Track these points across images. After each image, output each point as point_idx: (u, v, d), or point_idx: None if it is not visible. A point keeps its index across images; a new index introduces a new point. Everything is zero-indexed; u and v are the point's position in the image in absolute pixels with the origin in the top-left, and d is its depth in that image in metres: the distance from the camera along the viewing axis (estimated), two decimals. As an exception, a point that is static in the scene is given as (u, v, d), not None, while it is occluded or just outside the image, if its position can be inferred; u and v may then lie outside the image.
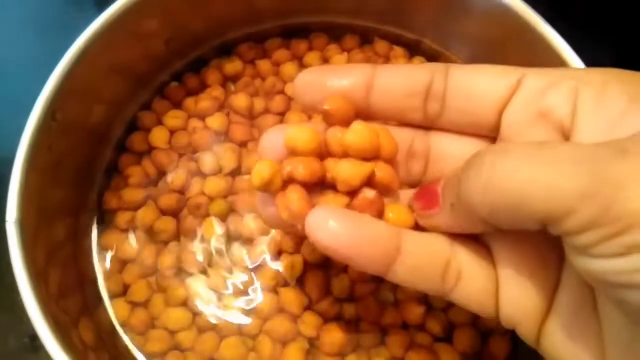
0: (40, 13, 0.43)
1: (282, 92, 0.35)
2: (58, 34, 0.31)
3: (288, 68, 0.35)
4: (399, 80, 0.20)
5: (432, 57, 0.36)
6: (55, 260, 0.28)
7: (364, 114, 0.20)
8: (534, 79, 0.19)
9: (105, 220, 0.32)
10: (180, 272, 0.30)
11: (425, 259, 0.19)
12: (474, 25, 0.32)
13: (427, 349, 0.28)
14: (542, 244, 0.18)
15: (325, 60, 0.36)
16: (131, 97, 0.34)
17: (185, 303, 0.29)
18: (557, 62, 0.28)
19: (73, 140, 0.30)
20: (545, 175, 0.14)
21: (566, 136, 0.18)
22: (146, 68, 0.34)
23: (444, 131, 0.21)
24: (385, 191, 0.20)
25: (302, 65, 0.35)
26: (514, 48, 0.30)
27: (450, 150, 0.21)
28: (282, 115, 0.34)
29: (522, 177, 0.14)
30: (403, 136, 0.21)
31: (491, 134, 0.20)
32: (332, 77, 0.20)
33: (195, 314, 0.29)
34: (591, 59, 0.27)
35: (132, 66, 0.33)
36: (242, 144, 0.33)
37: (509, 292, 0.18)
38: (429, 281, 0.19)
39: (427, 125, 0.21)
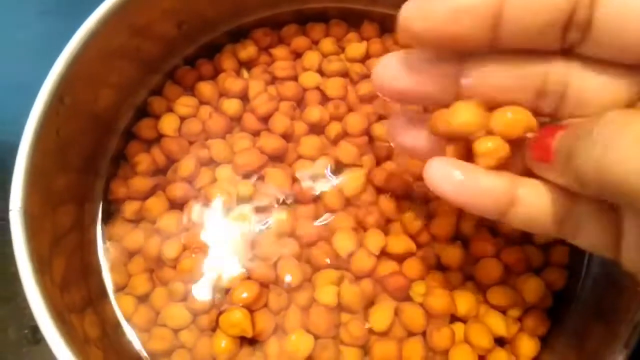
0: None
1: (295, 79, 0.33)
2: (66, 15, 0.30)
3: (308, 57, 0.34)
4: (534, 8, 0.17)
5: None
6: (59, 250, 0.27)
7: (491, 44, 0.18)
8: None
9: (112, 210, 0.31)
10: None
11: (540, 210, 0.20)
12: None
13: None
14: None
15: (342, 48, 0.35)
16: (141, 81, 0.33)
17: (185, 299, 0.28)
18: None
19: (81, 125, 0.29)
20: None
21: None
22: (157, 52, 0.32)
23: (584, 60, 0.19)
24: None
25: (323, 55, 0.34)
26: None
27: (590, 86, 0.19)
28: (298, 105, 0.33)
29: (635, 168, 0.14)
30: (534, 71, 0.19)
31: None
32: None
33: (197, 313, 0.28)
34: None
35: (143, 50, 0.31)
36: (256, 133, 0.32)
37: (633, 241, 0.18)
38: (544, 229, 0.20)
39: (564, 52, 0.19)
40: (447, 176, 0.20)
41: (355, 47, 0.34)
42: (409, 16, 0.18)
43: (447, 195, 0.20)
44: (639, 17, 0.16)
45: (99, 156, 0.31)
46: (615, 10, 0.17)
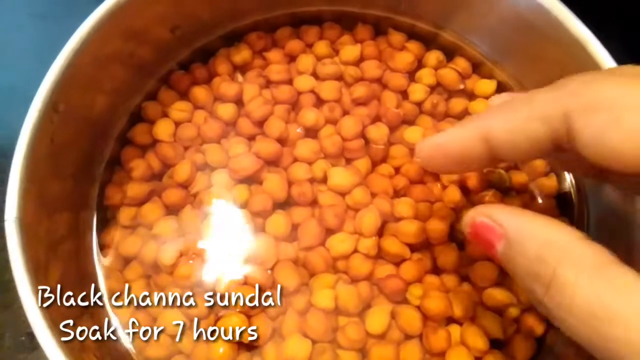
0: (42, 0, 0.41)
1: (290, 83, 0.33)
2: (60, 21, 0.30)
3: (303, 61, 0.33)
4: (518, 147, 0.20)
5: (449, 50, 0.34)
6: (55, 258, 0.26)
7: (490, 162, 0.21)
8: None
9: (108, 216, 0.31)
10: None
11: None
12: (495, 16, 0.31)
13: None
14: None
15: (336, 51, 0.34)
16: (135, 87, 0.32)
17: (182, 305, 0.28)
18: (591, 63, 0.26)
19: (75, 132, 0.28)
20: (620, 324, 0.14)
21: None
22: (151, 57, 0.32)
23: None
24: None
25: (318, 58, 0.34)
26: (540, 44, 0.29)
27: None
28: (292, 109, 0.33)
29: (604, 312, 0.15)
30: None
31: None
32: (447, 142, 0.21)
33: (193, 318, 0.27)
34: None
35: (137, 55, 0.31)
36: (251, 138, 0.32)
37: None
38: None
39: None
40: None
41: (350, 50, 0.34)
42: (422, 158, 0.23)
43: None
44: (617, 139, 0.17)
45: (93, 162, 0.31)
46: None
